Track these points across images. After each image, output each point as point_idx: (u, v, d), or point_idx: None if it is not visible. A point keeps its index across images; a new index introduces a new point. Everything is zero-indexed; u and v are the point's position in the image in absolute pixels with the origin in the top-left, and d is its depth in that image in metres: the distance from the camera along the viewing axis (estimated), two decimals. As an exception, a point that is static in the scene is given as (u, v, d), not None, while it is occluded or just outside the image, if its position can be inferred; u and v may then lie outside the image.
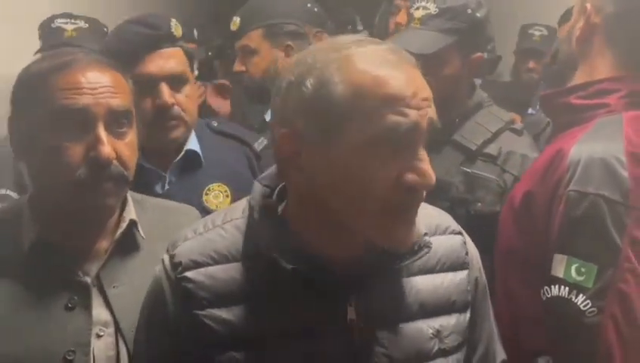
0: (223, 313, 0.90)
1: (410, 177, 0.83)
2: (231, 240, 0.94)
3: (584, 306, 1.05)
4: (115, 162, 1.05)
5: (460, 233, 1.03)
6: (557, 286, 1.08)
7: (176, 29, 1.49)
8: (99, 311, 1.07)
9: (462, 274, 1.00)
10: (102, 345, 1.06)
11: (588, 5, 1.22)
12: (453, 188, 1.59)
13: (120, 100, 1.06)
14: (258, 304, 0.90)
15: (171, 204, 1.30)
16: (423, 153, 0.85)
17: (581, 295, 1.05)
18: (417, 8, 1.66)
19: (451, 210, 1.55)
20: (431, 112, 0.85)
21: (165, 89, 1.44)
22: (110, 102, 1.05)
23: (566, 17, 1.74)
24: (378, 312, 0.92)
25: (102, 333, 1.07)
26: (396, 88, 0.82)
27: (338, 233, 0.89)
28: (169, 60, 1.46)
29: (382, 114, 0.81)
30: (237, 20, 1.96)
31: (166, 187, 1.52)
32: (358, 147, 0.82)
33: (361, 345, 0.91)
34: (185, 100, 1.48)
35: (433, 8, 1.63)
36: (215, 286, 0.90)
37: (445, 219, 1.04)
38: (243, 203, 0.99)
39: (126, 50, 1.41)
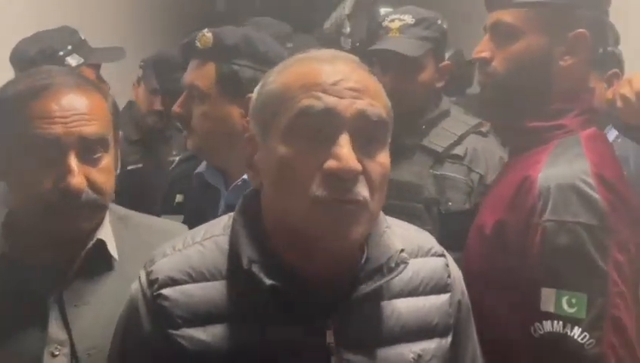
0: (198, 333, 0.87)
1: (329, 163, 0.80)
2: (210, 257, 0.91)
3: (582, 339, 1.03)
4: (87, 189, 1.03)
5: (442, 255, 1.01)
6: (549, 322, 1.06)
7: None
8: (56, 330, 1.05)
9: (444, 297, 0.97)
10: None
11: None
12: (425, 191, 1.67)
13: (95, 126, 1.05)
14: (235, 325, 0.87)
15: (158, 223, 1.27)
16: (343, 140, 0.81)
17: (576, 327, 1.04)
18: (393, 20, 1.74)
19: (425, 211, 1.65)
20: (361, 103, 0.82)
21: None
22: (83, 130, 1.03)
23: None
24: (358, 336, 0.89)
25: (57, 353, 1.04)
26: (315, 77, 0.83)
27: (299, 240, 0.85)
28: None
29: (298, 100, 0.82)
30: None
31: None
32: (281, 137, 0.83)
33: None
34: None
35: (409, 19, 1.73)
36: (191, 304, 0.87)
37: (428, 241, 1.02)
38: (224, 220, 0.96)
39: None
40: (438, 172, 1.68)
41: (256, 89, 0.90)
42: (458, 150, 1.69)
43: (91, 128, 1.04)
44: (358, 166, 0.80)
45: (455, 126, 1.74)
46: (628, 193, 1.14)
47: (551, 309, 1.06)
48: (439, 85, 1.78)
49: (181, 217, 1.46)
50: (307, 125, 0.81)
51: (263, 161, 0.87)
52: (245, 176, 1.35)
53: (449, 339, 0.97)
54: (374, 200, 0.83)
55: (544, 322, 1.06)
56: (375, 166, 0.83)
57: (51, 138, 1.01)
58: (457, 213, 1.63)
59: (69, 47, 1.84)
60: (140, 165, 2.55)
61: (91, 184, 1.04)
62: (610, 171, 1.13)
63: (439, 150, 1.69)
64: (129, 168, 2.48)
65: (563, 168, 1.12)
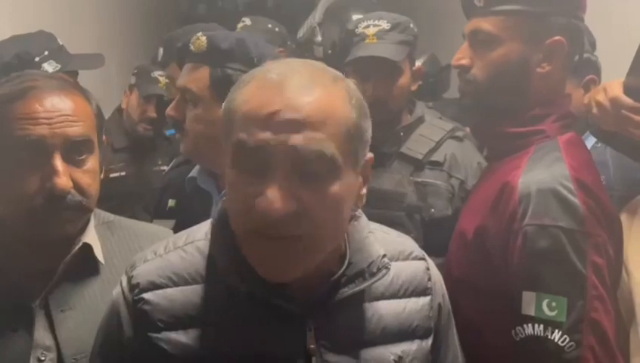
0: (179, 336, 0.87)
1: (258, 201, 0.78)
2: (191, 262, 0.91)
3: (562, 342, 1.05)
4: (73, 191, 1.03)
5: (423, 258, 1.02)
6: (530, 325, 1.07)
7: None
8: (42, 335, 1.04)
9: (425, 300, 0.98)
10: None
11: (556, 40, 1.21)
12: (406, 198, 1.67)
13: (80, 128, 1.05)
14: (215, 328, 0.88)
15: (145, 227, 1.26)
16: (273, 179, 0.79)
17: (557, 330, 1.05)
18: (368, 26, 1.73)
19: (407, 219, 1.65)
20: (296, 139, 0.78)
21: None
22: (68, 131, 1.03)
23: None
24: (339, 338, 0.90)
25: (43, 358, 1.03)
26: (255, 107, 0.81)
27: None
28: None
29: (236, 131, 0.82)
30: None
31: None
32: (229, 161, 0.83)
33: None
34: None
35: (384, 24, 1.72)
36: (172, 308, 0.88)
37: (409, 245, 1.02)
38: (206, 225, 0.96)
39: None
40: (419, 179, 1.68)
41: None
42: (437, 156, 1.70)
43: (75, 130, 1.04)
44: (287, 208, 0.78)
45: (431, 132, 1.75)
46: (605, 198, 1.15)
47: (532, 313, 1.07)
48: (414, 88, 1.79)
49: (173, 222, 1.46)
50: (243, 158, 0.81)
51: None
52: None
53: (430, 341, 0.98)
54: (323, 231, 0.82)
55: (525, 326, 1.07)
56: (319, 200, 0.80)
57: (36, 139, 1.01)
58: (440, 219, 1.63)
59: (46, 52, 1.79)
60: (123, 173, 2.53)
61: (76, 185, 1.04)
62: (588, 175, 1.15)
63: (419, 157, 1.70)
64: (112, 175, 2.46)
65: (542, 172, 1.13)
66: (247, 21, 2.58)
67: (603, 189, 1.18)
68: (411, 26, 1.76)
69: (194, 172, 1.49)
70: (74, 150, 1.05)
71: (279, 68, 0.84)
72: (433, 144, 1.71)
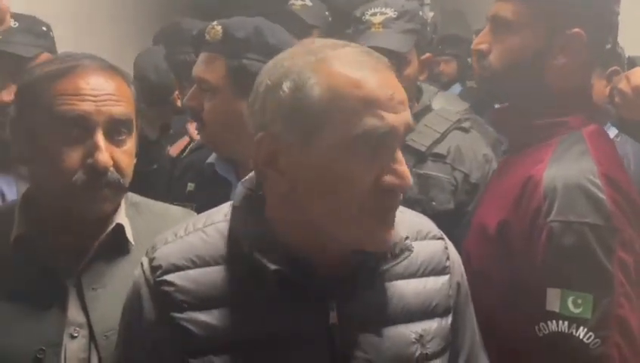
0: (203, 316, 0.89)
1: (388, 179, 0.84)
2: (212, 243, 0.93)
3: (587, 339, 1.04)
4: (112, 169, 1.05)
5: (441, 238, 1.04)
6: (554, 322, 1.06)
7: None
8: (75, 312, 1.07)
9: (444, 279, 1.00)
10: (75, 346, 1.05)
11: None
12: (408, 190, 1.64)
13: (122, 108, 1.07)
14: (238, 308, 0.89)
15: (170, 210, 1.28)
16: (400, 156, 0.86)
17: (582, 327, 1.04)
18: (375, 14, 1.69)
19: None
20: (407, 116, 0.86)
21: None
22: (112, 110, 1.05)
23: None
24: (360, 316, 0.91)
25: (76, 335, 1.06)
26: (373, 91, 0.83)
27: (319, 235, 0.89)
28: None
29: (359, 117, 0.82)
30: None
31: None
32: (336, 149, 0.83)
33: (343, 349, 0.90)
34: None
35: (391, 12, 1.68)
36: (195, 289, 0.90)
37: (427, 225, 1.04)
38: (225, 207, 0.98)
39: None
40: (421, 171, 1.65)
41: (284, 87, 0.85)
42: (441, 149, 1.66)
43: (119, 109, 1.06)
44: (411, 182, 0.86)
45: (436, 123, 1.70)
46: (633, 193, 1.13)
47: (557, 309, 1.05)
48: (422, 78, 1.75)
49: (193, 205, 1.45)
50: (368, 144, 0.82)
51: (301, 167, 0.85)
52: None
53: (449, 319, 0.99)
54: None
55: (549, 322, 1.06)
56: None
57: (80, 114, 1.03)
58: (441, 213, 1.59)
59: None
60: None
61: (115, 164, 1.06)
62: (615, 169, 1.13)
63: (423, 149, 1.65)
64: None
65: (568, 167, 1.11)
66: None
67: (630, 183, 1.16)
68: (420, 13, 1.71)
69: (211, 158, 1.49)
70: (115, 129, 1.07)
71: (354, 48, 0.89)
72: (437, 136, 1.68)
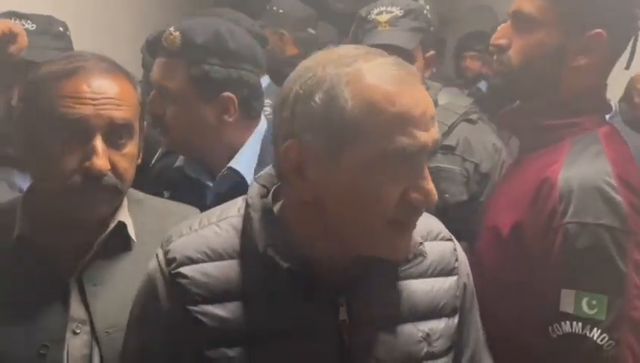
0: (216, 309, 0.90)
1: (415, 196, 0.85)
2: (226, 237, 0.94)
3: (601, 340, 1.04)
4: (109, 173, 1.05)
5: (450, 239, 1.05)
6: (568, 323, 1.06)
7: None
8: (77, 309, 1.07)
9: (452, 280, 1.01)
10: (78, 342, 1.06)
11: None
12: None
13: (123, 112, 1.06)
14: (251, 302, 0.91)
15: (173, 206, 1.29)
16: (427, 172, 0.86)
17: (596, 329, 1.04)
18: (381, 13, 1.72)
19: None
20: (436, 131, 0.86)
21: None
22: (112, 114, 1.05)
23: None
24: (369, 314, 0.93)
25: (78, 331, 1.07)
26: (407, 108, 0.83)
27: (336, 241, 0.90)
28: None
29: (393, 134, 0.82)
30: None
31: None
32: (366, 163, 0.83)
33: (352, 346, 0.92)
34: None
35: (397, 10, 1.71)
36: (209, 283, 0.91)
37: (437, 226, 1.06)
38: (238, 202, 0.99)
39: None
40: (431, 165, 1.61)
41: (316, 98, 0.84)
42: (449, 141, 1.69)
43: (119, 113, 1.05)
44: (436, 200, 0.87)
45: (444, 116, 1.73)
46: None
47: (571, 310, 1.06)
48: (426, 75, 1.77)
49: None
50: (398, 160, 0.83)
51: (328, 178, 0.86)
52: (231, 164, 1.35)
53: (456, 320, 1.02)
54: None
55: (563, 323, 1.07)
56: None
57: (79, 118, 1.02)
58: (455, 205, 1.63)
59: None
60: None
61: (114, 168, 1.06)
62: (629, 171, 1.13)
63: None
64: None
65: (584, 168, 1.11)
66: None
67: None
68: (425, 12, 1.73)
69: (179, 162, 1.48)
70: (115, 133, 1.06)
71: (386, 59, 0.88)
72: (445, 128, 1.70)
